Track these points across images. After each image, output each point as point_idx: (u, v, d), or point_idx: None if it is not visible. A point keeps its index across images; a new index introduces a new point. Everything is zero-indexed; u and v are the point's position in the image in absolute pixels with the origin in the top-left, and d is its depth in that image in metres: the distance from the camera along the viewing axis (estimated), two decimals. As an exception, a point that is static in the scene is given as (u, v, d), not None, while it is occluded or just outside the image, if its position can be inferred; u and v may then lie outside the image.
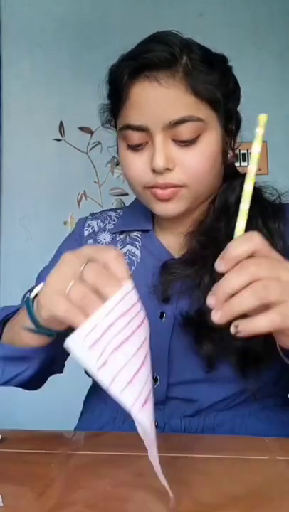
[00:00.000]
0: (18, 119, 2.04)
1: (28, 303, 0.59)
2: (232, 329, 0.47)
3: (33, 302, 0.59)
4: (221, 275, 0.50)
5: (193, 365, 0.72)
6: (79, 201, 2.00)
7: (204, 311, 0.70)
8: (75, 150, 1.99)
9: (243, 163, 1.89)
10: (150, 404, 0.45)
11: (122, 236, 0.86)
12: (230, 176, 0.79)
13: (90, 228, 0.90)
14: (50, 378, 0.77)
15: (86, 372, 0.60)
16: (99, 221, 0.91)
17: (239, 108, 0.78)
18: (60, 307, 0.50)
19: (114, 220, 0.90)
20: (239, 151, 0.80)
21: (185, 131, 0.69)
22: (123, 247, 0.85)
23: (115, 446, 0.60)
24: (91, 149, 1.95)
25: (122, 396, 0.43)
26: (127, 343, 0.46)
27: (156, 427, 0.75)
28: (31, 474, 0.54)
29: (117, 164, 0.77)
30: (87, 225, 0.91)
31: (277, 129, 1.91)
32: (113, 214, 0.92)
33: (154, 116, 0.69)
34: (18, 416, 1.69)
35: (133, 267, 0.82)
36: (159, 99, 0.69)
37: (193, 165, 0.71)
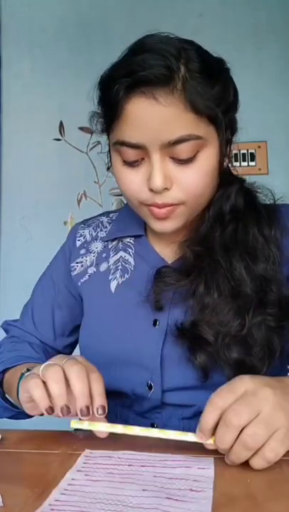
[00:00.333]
0: (18, 119, 2.04)
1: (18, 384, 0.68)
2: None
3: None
4: None
5: (188, 372, 0.72)
6: (79, 201, 2.00)
7: (198, 323, 0.70)
8: (75, 150, 1.99)
9: (237, 164, 1.89)
10: None
11: (114, 243, 0.86)
12: (225, 181, 0.76)
13: (82, 238, 0.90)
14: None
15: None
16: (91, 229, 0.90)
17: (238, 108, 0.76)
18: (31, 383, 0.59)
19: (106, 227, 0.89)
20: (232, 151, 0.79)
21: (184, 150, 0.66)
22: (116, 254, 0.85)
23: (115, 446, 0.59)
24: (91, 149, 1.95)
25: None
26: None
27: (156, 428, 0.75)
28: (31, 474, 0.54)
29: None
30: (79, 234, 0.91)
31: (277, 129, 1.91)
32: (105, 220, 0.91)
33: (152, 135, 0.65)
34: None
35: (127, 275, 0.82)
36: (157, 118, 0.64)
37: (191, 183, 0.68)
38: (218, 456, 0.55)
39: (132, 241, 0.85)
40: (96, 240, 0.88)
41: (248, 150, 1.91)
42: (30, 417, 0.73)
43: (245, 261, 0.71)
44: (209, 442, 0.56)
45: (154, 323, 0.76)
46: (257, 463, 0.52)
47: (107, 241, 0.87)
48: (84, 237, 0.90)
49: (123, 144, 0.68)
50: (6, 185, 2.04)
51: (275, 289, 0.71)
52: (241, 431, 0.52)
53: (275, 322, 0.70)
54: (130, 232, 0.85)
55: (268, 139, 1.91)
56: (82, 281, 0.86)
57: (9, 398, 0.77)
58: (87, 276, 0.85)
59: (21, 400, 0.64)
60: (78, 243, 0.89)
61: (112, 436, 0.60)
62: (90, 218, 0.94)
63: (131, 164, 0.69)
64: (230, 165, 0.77)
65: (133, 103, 0.65)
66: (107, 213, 0.94)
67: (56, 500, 0.46)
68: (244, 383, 0.55)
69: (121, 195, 1.92)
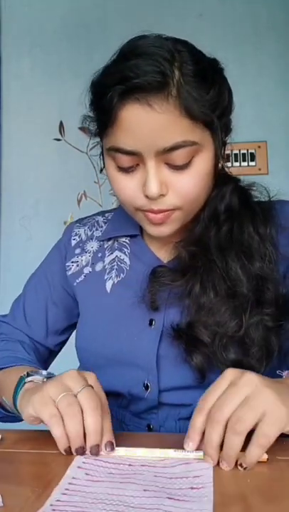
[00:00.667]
0: (18, 119, 2.04)
1: (16, 394, 0.66)
2: (241, 469, 0.53)
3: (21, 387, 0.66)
4: None
5: (184, 372, 0.72)
6: (79, 201, 2.00)
7: (194, 324, 0.70)
8: (75, 150, 1.99)
9: (235, 163, 1.89)
10: None
11: (109, 242, 0.86)
12: (220, 181, 0.75)
13: (77, 237, 0.90)
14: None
15: None
16: (86, 228, 0.90)
17: (236, 108, 0.75)
18: (46, 411, 0.57)
19: (101, 226, 0.89)
20: (231, 151, 0.78)
21: (179, 156, 0.65)
22: (111, 253, 0.84)
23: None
24: (91, 149, 1.95)
25: None
26: None
27: (151, 429, 0.75)
28: (31, 474, 0.54)
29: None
30: (74, 233, 0.90)
31: (277, 129, 1.91)
32: (101, 219, 0.91)
33: (147, 142, 0.65)
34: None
35: (122, 275, 0.81)
36: (152, 125, 0.63)
37: (187, 188, 0.68)
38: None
39: (127, 241, 0.85)
40: (92, 239, 0.88)
41: (248, 150, 1.91)
42: (18, 421, 0.73)
43: (241, 260, 0.71)
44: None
45: (150, 323, 0.76)
46: (253, 452, 0.52)
47: (102, 241, 0.87)
48: (79, 237, 0.89)
49: (118, 150, 0.67)
50: (6, 185, 2.04)
51: (271, 288, 0.71)
52: None
53: (273, 321, 0.69)
54: (126, 232, 0.85)
55: (268, 139, 1.91)
56: (77, 281, 0.85)
57: None
58: (82, 277, 0.85)
59: (24, 415, 0.61)
60: (73, 242, 0.89)
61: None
62: (86, 217, 0.94)
63: (126, 170, 0.69)
64: (224, 165, 0.76)
65: (127, 110, 0.64)
66: (102, 213, 0.94)
67: (57, 501, 0.46)
68: (228, 376, 0.56)
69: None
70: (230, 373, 0.56)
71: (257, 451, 0.52)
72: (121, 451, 0.57)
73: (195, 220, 0.75)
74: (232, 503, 0.46)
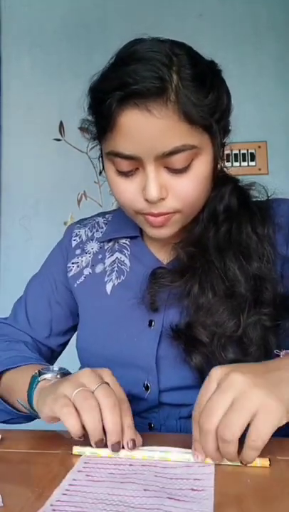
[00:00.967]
0: (18, 119, 2.04)
1: (30, 392, 0.65)
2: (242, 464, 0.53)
3: (35, 384, 0.65)
4: None
5: (184, 373, 0.72)
6: (79, 201, 2.00)
7: (193, 324, 0.70)
8: (75, 150, 1.99)
9: (235, 163, 1.89)
10: None
11: (110, 244, 0.86)
12: (219, 181, 0.76)
13: (77, 238, 0.90)
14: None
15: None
16: (87, 229, 0.90)
17: (236, 108, 0.75)
18: (60, 406, 0.56)
19: (102, 228, 0.89)
20: (231, 151, 0.78)
21: (178, 160, 0.66)
22: (112, 255, 0.84)
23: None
24: (91, 149, 1.95)
25: None
26: None
27: (152, 428, 0.75)
28: (31, 474, 0.54)
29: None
30: (74, 234, 0.90)
31: (277, 129, 1.91)
32: (101, 220, 0.91)
33: (146, 147, 0.65)
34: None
35: (123, 277, 0.81)
36: (151, 130, 0.64)
37: (186, 192, 0.68)
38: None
39: (127, 242, 0.85)
40: (92, 240, 0.88)
41: (248, 150, 1.91)
42: (28, 421, 0.72)
43: (239, 261, 0.72)
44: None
45: (150, 324, 0.76)
46: (246, 455, 0.51)
47: (102, 242, 0.87)
48: (80, 237, 0.90)
49: (117, 155, 0.67)
50: (6, 185, 2.04)
51: (269, 288, 0.71)
52: None
53: (271, 321, 0.70)
54: (125, 233, 0.85)
55: (268, 139, 1.91)
56: (78, 282, 0.85)
57: (8, 401, 0.74)
58: (82, 278, 0.85)
59: (42, 415, 0.61)
60: (74, 243, 0.89)
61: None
62: (86, 218, 0.94)
63: (125, 174, 0.69)
64: (223, 165, 0.77)
65: (126, 115, 0.64)
66: (102, 214, 0.94)
67: (58, 501, 0.46)
68: (214, 376, 0.55)
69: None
70: (216, 373, 0.55)
71: (251, 454, 0.51)
72: (121, 454, 0.57)
73: (194, 221, 0.76)
74: (232, 503, 0.46)
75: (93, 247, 0.87)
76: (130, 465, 0.55)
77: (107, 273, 0.83)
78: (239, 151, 1.90)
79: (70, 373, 0.66)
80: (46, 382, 0.64)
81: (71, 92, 1.97)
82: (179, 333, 0.72)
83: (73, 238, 0.90)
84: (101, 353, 0.78)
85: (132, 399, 0.75)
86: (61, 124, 2.02)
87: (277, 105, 1.92)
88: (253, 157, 1.91)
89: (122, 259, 0.83)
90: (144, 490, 0.48)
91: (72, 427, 0.55)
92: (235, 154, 1.89)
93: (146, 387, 0.74)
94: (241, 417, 0.50)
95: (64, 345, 0.92)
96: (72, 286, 0.86)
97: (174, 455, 0.56)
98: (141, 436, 0.59)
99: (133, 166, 0.68)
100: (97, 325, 0.81)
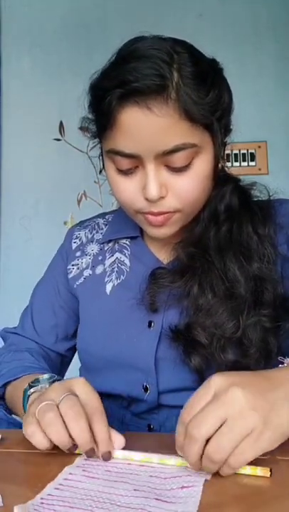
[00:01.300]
0: (18, 119, 2.04)
1: (24, 402, 0.67)
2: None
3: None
4: None
5: (183, 374, 0.71)
6: (79, 201, 2.00)
7: (192, 325, 0.70)
8: (75, 150, 1.99)
9: (235, 163, 1.89)
10: None
11: (110, 244, 0.86)
12: (220, 181, 0.75)
13: (77, 240, 0.90)
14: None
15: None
16: (87, 231, 0.90)
17: (236, 108, 0.74)
18: (28, 427, 0.56)
19: (102, 229, 0.89)
20: (231, 151, 0.78)
21: (179, 158, 0.65)
22: (112, 256, 0.84)
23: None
24: (91, 149, 1.95)
25: None
26: None
27: (152, 429, 0.75)
28: (31, 474, 0.54)
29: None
30: (74, 236, 0.90)
31: (277, 129, 1.91)
32: (101, 221, 0.91)
33: (146, 146, 0.64)
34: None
35: (123, 277, 0.81)
36: (152, 128, 0.63)
37: (186, 190, 0.68)
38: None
39: (127, 242, 0.84)
40: (92, 242, 0.88)
41: (248, 150, 1.91)
42: None
43: (240, 261, 0.71)
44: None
45: (149, 325, 0.76)
46: (223, 471, 0.49)
47: (103, 243, 0.86)
48: (80, 240, 0.90)
49: (117, 153, 0.67)
50: (6, 185, 2.04)
51: (270, 288, 0.71)
52: (208, 441, 0.49)
53: (271, 322, 0.69)
54: (126, 234, 0.84)
55: (268, 139, 1.91)
56: (77, 283, 0.85)
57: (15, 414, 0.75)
58: (82, 279, 0.85)
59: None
60: (74, 245, 0.89)
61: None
62: (86, 220, 0.94)
63: (125, 172, 0.69)
64: (224, 165, 0.76)
65: (126, 113, 0.64)
66: (103, 215, 0.94)
67: (49, 495, 0.47)
68: (213, 386, 0.52)
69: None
70: (215, 382, 0.52)
71: (228, 471, 0.49)
72: (119, 455, 0.56)
73: (195, 221, 0.75)
74: (232, 502, 0.46)
75: (93, 248, 0.87)
76: (129, 464, 0.55)
77: (107, 273, 0.83)
78: (239, 151, 1.90)
79: (60, 379, 0.66)
80: (36, 395, 0.64)
81: (71, 92, 1.96)
82: (178, 335, 0.71)
83: (73, 241, 0.90)
84: (101, 353, 0.78)
85: (132, 400, 0.76)
86: (61, 124, 2.02)
87: (277, 105, 1.92)
88: (253, 157, 1.91)
89: (122, 259, 0.83)
90: (134, 490, 0.48)
91: (39, 444, 0.55)
92: (235, 154, 1.89)
93: (146, 389, 0.74)
94: (232, 440, 0.48)
95: (73, 349, 0.91)
96: (72, 287, 0.86)
97: (173, 460, 0.55)
98: (140, 436, 0.58)
99: (133, 164, 0.67)
100: (97, 325, 0.81)
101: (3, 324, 0.96)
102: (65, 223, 1.97)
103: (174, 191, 0.68)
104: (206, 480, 0.50)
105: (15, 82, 2.04)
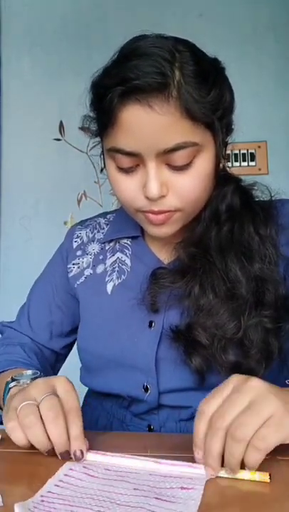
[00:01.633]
0: (18, 119, 2.04)
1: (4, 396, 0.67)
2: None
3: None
4: None
5: (184, 375, 0.71)
6: (79, 201, 2.00)
7: (193, 326, 0.70)
8: (75, 150, 1.99)
9: (235, 163, 1.89)
10: None
11: (111, 244, 0.86)
12: (222, 180, 0.75)
13: (78, 240, 0.90)
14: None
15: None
16: (88, 231, 0.90)
17: (237, 108, 0.74)
18: (7, 421, 0.57)
19: (103, 228, 0.89)
20: (231, 151, 0.77)
21: (180, 157, 0.65)
22: (112, 255, 0.84)
23: (114, 446, 0.59)
24: (91, 149, 1.95)
25: None
26: None
27: (152, 430, 0.75)
28: (31, 474, 0.54)
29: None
30: (75, 236, 0.90)
31: (277, 129, 1.91)
32: (102, 221, 0.91)
33: (148, 144, 0.64)
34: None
35: (123, 276, 0.81)
36: (153, 126, 0.63)
37: (187, 190, 0.68)
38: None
39: (128, 242, 0.84)
40: (93, 241, 0.88)
41: (248, 150, 1.91)
42: None
43: (241, 261, 0.71)
44: (216, 474, 0.51)
45: (150, 325, 0.75)
46: (249, 455, 0.49)
47: (104, 243, 0.86)
48: (81, 239, 0.90)
49: (118, 151, 0.67)
50: (6, 185, 2.04)
51: (271, 289, 0.70)
52: None
53: (272, 323, 0.69)
54: (127, 233, 0.84)
55: (268, 139, 1.91)
56: (78, 283, 0.85)
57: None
58: (83, 278, 0.85)
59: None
60: (75, 244, 0.89)
61: (110, 437, 0.59)
62: (88, 219, 0.94)
63: (126, 171, 0.68)
64: (225, 165, 0.76)
65: (127, 111, 0.63)
66: (104, 214, 0.94)
67: (49, 492, 0.47)
68: (231, 382, 0.54)
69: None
70: (234, 379, 0.54)
71: (254, 455, 0.49)
72: (118, 460, 0.56)
73: (196, 220, 0.75)
74: (232, 502, 0.46)
75: (94, 248, 0.87)
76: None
77: (108, 273, 0.83)
78: (239, 151, 1.90)
79: (41, 376, 0.66)
80: (16, 389, 0.65)
81: (71, 92, 1.97)
82: (179, 335, 0.71)
83: (74, 240, 0.90)
84: (101, 353, 0.78)
85: (132, 400, 0.76)
86: (61, 124, 2.02)
87: (277, 105, 1.92)
88: (253, 157, 1.91)
89: (123, 259, 0.83)
90: (134, 489, 0.49)
91: (18, 441, 0.56)
92: (235, 154, 1.89)
93: (146, 389, 0.74)
94: (256, 418, 0.49)
95: (68, 347, 0.92)
96: (73, 287, 0.86)
97: (172, 467, 0.54)
98: (140, 436, 0.58)
99: (134, 162, 0.67)
100: (98, 325, 0.81)
101: (3, 324, 0.96)
102: (65, 223, 1.97)
103: (175, 190, 0.68)
104: (206, 482, 0.50)
105: (15, 82, 2.04)
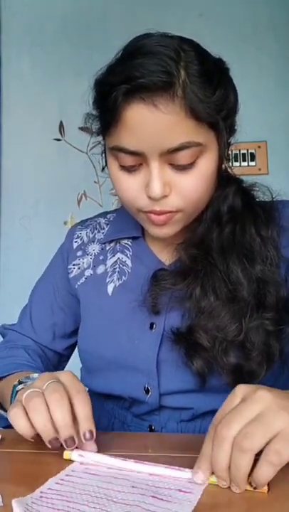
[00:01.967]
0: (18, 119, 2.04)
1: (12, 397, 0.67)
2: (251, 488, 0.48)
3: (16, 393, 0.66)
4: None
5: (185, 377, 0.71)
6: (79, 201, 2.00)
7: (194, 328, 0.69)
8: (75, 150, 1.99)
9: (235, 163, 1.89)
10: None
11: (111, 244, 0.85)
12: (223, 181, 0.75)
13: (78, 240, 0.89)
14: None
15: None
16: (88, 231, 0.90)
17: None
18: (12, 410, 0.57)
19: (103, 228, 0.89)
20: (231, 151, 0.77)
21: (183, 157, 0.65)
22: (113, 256, 0.84)
23: (114, 446, 0.59)
24: (91, 149, 1.95)
25: None
26: None
27: (153, 430, 0.75)
28: (31, 474, 0.54)
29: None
30: (76, 236, 0.90)
31: (278, 129, 1.91)
32: (103, 221, 0.90)
33: (151, 143, 0.64)
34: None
35: (124, 277, 0.81)
36: (157, 126, 0.62)
37: (190, 189, 0.67)
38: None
39: (129, 242, 0.84)
40: (93, 241, 0.88)
41: (248, 150, 1.91)
42: None
43: (242, 263, 0.70)
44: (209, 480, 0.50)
45: (151, 327, 0.75)
46: (262, 471, 0.46)
47: (104, 243, 0.86)
48: (81, 239, 0.89)
49: (121, 150, 0.66)
50: (6, 185, 2.04)
51: (273, 291, 0.70)
52: None
53: (273, 325, 0.69)
54: (127, 234, 0.84)
55: (268, 139, 1.91)
56: (78, 283, 0.85)
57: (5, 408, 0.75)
58: (83, 279, 0.85)
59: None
60: (75, 245, 0.89)
61: (110, 437, 0.59)
62: (88, 219, 0.93)
63: (128, 169, 0.68)
64: (227, 165, 0.75)
65: (132, 109, 0.63)
66: (104, 214, 0.93)
67: (49, 489, 0.48)
68: (239, 391, 0.51)
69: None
70: (241, 389, 0.51)
71: (267, 470, 0.46)
72: (117, 463, 0.55)
73: (197, 221, 0.74)
74: (232, 503, 0.46)
75: (94, 248, 0.87)
76: (135, 461, 0.55)
77: (109, 274, 0.83)
78: (239, 151, 1.90)
79: None
80: (24, 391, 0.64)
81: (71, 92, 1.98)
82: (180, 337, 0.71)
83: (74, 240, 0.90)
84: (102, 354, 0.78)
85: (133, 401, 0.76)
86: (61, 124, 2.02)
87: (277, 105, 1.92)
88: (253, 157, 1.91)
89: (123, 260, 0.82)
90: (132, 487, 0.49)
91: (20, 428, 0.56)
92: (235, 154, 1.89)
93: (147, 391, 0.74)
94: (264, 430, 0.46)
95: (71, 347, 0.91)
96: (73, 287, 0.86)
97: (171, 472, 0.52)
98: (141, 436, 0.58)
99: (137, 161, 0.67)
100: (98, 326, 0.80)
101: (3, 324, 0.96)
102: (65, 223, 1.97)
103: (178, 190, 0.67)
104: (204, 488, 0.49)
105: (15, 82, 2.04)
